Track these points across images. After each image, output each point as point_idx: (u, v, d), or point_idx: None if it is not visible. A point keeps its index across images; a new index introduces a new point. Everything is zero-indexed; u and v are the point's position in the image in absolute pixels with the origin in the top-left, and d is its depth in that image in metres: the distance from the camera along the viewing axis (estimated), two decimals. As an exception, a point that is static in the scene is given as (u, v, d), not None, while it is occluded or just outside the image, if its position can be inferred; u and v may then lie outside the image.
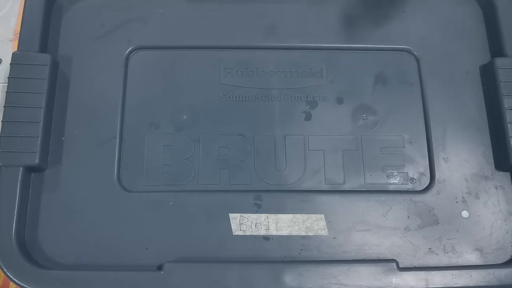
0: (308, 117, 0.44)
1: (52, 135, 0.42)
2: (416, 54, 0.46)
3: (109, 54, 0.45)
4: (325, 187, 0.42)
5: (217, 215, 0.41)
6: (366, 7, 0.47)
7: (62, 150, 0.42)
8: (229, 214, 0.41)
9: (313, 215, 0.41)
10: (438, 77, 0.45)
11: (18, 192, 0.39)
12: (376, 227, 0.41)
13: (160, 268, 0.39)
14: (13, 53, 0.42)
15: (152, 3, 0.46)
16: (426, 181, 0.43)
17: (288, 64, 0.45)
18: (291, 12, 0.47)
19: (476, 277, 0.39)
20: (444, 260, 0.40)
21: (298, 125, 0.44)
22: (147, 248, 0.40)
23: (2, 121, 0.41)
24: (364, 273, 0.39)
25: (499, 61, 0.44)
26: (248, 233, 0.41)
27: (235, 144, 0.43)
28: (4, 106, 0.41)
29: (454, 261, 0.40)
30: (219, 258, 0.40)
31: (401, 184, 0.43)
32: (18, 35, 0.44)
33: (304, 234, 0.41)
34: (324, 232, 0.41)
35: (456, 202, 0.42)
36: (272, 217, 0.41)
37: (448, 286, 0.38)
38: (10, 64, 0.42)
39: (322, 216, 0.41)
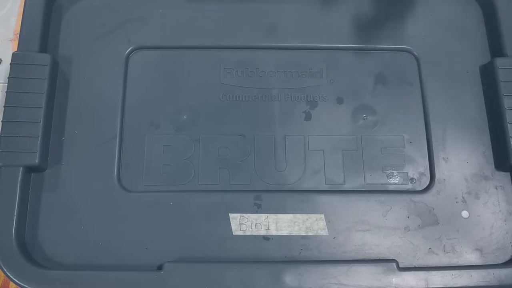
0: (308, 117, 0.44)
1: (52, 135, 0.42)
2: (416, 54, 0.46)
3: (109, 54, 0.45)
4: (325, 187, 0.42)
5: (217, 215, 0.41)
6: (366, 7, 0.47)
7: (62, 150, 0.42)
8: (229, 214, 0.41)
9: (313, 215, 0.41)
10: (438, 77, 0.45)
11: (18, 192, 0.39)
12: (376, 227, 0.41)
13: (160, 268, 0.39)
14: (13, 53, 0.42)
15: (152, 3, 0.46)
16: (426, 181, 0.43)
17: (288, 64, 0.45)
18: (291, 12, 0.47)
19: (476, 277, 0.39)
20: (444, 260, 0.40)
21: (298, 125, 0.44)
22: (147, 248, 0.40)
23: (2, 121, 0.41)
24: (364, 273, 0.39)
25: (499, 61, 0.44)
26: (248, 233, 0.41)
27: (235, 144, 0.43)
28: (4, 106, 0.41)
29: (454, 261, 0.40)
30: (219, 258, 0.40)
31: (401, 184, 0.43)
32: (18, 35, 0.44)
33: (304, 234, 0.41)
34: (324, 232, 0.41)
35: (456, 202, 0.42)
36: (272, 217, 0.41)
37: (448, 286, 0.38)
38: (10, 64, 0.42)
39: (322, 216, 0.41)
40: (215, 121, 0.43)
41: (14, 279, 0.37)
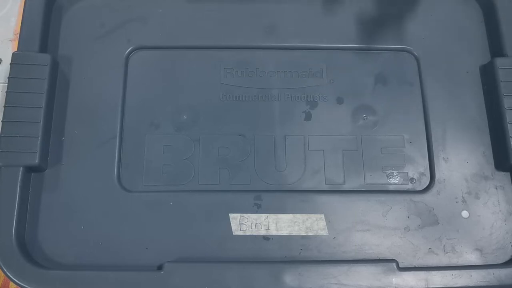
0: (308, 117, 0.44)
1: (52, 135, 0.42)
2: (416, 54, 0.46)
3: (109, 54, 0.45)
4: (325, 187, 0.42)
5: (217, 215, 0.41)
6: (366, 7, 0.47)
7: (62, 150, 0.42)
8: (229, 214, 0.41)
9: (313, 215, 0.41)
10: (438, 77, 0.45)
11: (18, 192, 0.39)
12: (376, 227, 0.41)
13: (160, 268, 0.39)
14: (13, 53, 0.42)
15: (152, 3, 0.46)
16: (426, 181, 0.43)
17: (288, 64, 0.45)
18: (291, 12, 0.47)
19: (476, 277, 0.39)
20: (444, 260, 0.40)
21: (298, 125, 0.44)
22: (147, 248, 0.40)
23: (2, 121, 0.41)
24: (364, 273, 0.39)
25: (499, 61, 0.44)
26: (248, 233, 0.41)
27: (235, 144, 0.43)
28: (4, 106, 0.41)
29: (454, 261, 0.40)
30: (219, 258, 0.40)
31: (401, 184, 0.43)
32: (18, 35, 0.44)
33: (304, 234, 0.41)
34: (324, 232, 0.41)
35: (456, 202, 0.42)
36: (272, 217, 0.41)
37: (448, 286, 0.38)
38: (10, 64, 0.42)
39: (322, 216, 0.41)
40: (215, 121, 0.43)
41: (14, 279, 0.37)
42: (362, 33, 0.46)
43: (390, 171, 0.43)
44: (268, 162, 0.43)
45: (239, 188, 0.42)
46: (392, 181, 0.43)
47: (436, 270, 0.39)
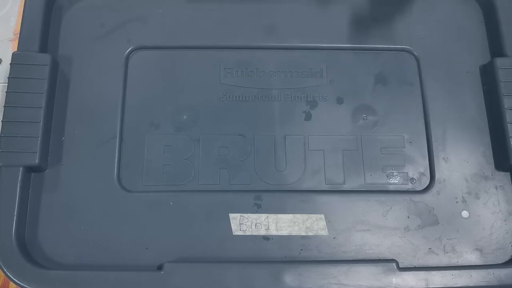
0: (308, 117, 0.44)
1: (52, 135, 0.42)
2: (416, 54, 0.46)
3: (109, 54, 0.45)
4: (325, 187, 0.42)
5: (217, 215, 0.41)
6: (366, 7, 0.47)
7: (62, 150, 0.42)
8: (229, 214, 0.41)
9: (313, 215, 0.41)
10: (438, 77, 0.45)
11: (18, 192, 0.39)
12: (376, 227, 0.41)
13: (160, 268, 0.39)
14: (13, 53, 0.42)
15: (152, 3, 0.46)
16: (426, 181, 0.43)
17: (288, 64, 0.45)
18: (291, 12, 0.47)
19: (476, 277, 0.39)
20: (444, 260, 0.40)
21: (298, 125, 0.44)
22: (147, 248, 0.40)
23: (2, 121, 0.41)
24: (364, 273, 0.39)
25: (499, 61, 0.44)
26: (248, 233, 0.41)
27: (235, 144, 0.43)
28: (4, 106, 0.41)
29: (454, 261, 0.40)
30: (219, 258, 0.40)
31: (401, 184, 0.43)
32: (18, 35, 0.44)
33: (304, 234, 0.41)
34: (324, 232, 0.41)
35: (456, 202, 0.42)
36: (272, 217, 0.41)
37: (448, 286, 0.38)
38: (10, 64, 0.42)
39: (322, 216, 0.41)
40: (215, 121, 0.43)
41: (14, 279, 0.37)
42: (362, 33, 0.46)
43: (390, 171, 0.43)
44: (268, 162, 0.43)
45: (239, 188, 0.42)
46: (392, 181, 0.43)
47: (436, 270, 0.39)
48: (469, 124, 0.44)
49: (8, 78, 0.42)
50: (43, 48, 0.44)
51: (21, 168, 0.40)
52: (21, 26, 0.43)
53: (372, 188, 0.42)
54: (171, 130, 0.43)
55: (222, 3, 0.47)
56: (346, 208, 0.41)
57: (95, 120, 0.43)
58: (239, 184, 0.42)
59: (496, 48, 0.45)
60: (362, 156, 0.43)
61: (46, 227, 0.40)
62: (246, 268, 0.39)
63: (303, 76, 0.45)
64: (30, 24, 0.43)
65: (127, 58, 0.45)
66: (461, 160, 0.43)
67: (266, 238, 0.41)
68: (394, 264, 0.39)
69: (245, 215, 0.41)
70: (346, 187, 0.42)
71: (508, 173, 0.43)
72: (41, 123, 0.41)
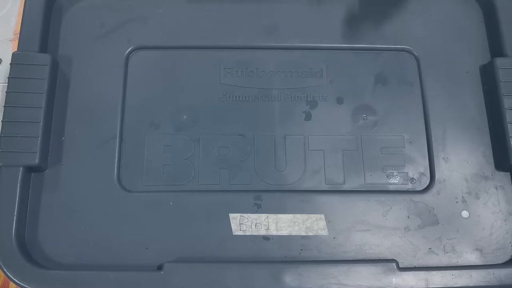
0: (308, 117, 0.44)
1: (52, 135, 0.42)
2: (416, 54, 0.46)
3: (109, 54, 0.45)
4: (325, 187, 0.42)
5: (217, 215, 0.41)
6: (366, 7, 0.47)
7: (62, 150, 0.42)
8: (229, 214, 0.41)
9: (313, 215, 0.41)
10: (438, 77, 0.45)
11: (18, 192, 0.39)
12: (376, 227, 0.41)
13: (160, 268, 0.39)
14: (13, 53, 0.42)
15: (152, 3, 0.46)
16: (426, 181, 0.43)
17: (288, 64, 0.45)
18: (291, 12, 0.47)
19: (476, 277, 0.39)
20: (444, 260, 0.40)
21: (298, 125, 0.44)
22: (147, 248, 0.40)
23: (2, 121, 0.41)
24: (364, 273, 0.39)
25: (499, 61, 0.44)
26: (248, 233, 0.41)
27: (235, 144, 0.43)
28: (4, 106, 0.41)
29: (454, 261, 0.40)
30: (219, 258, 0.40)
31: (401, 184, 0.43)
32: (18, 35, 0.44)
33: (304, 234, 0.41)
34: (324, 232, 0.41)
35: (456, 202, 0.42)
36: (272, 217, 0.41)
37: (448, 286, 0.38)
38: (10, 64, 0.42)
39: (322, 216, 0.41)
40: (215, 121, 0.43)
41: (14, 279, 0.38)
42: (363, 33, 0.46)
43: (390, 171, 0.43)
44: (268, 162, 0.43)
45: (239, 188, 0.42)
46: (392, 181, 0.43)
47: (436, 270, 0.39)
48: (469, 124, 0.44)
49: (8, 78, 0.42)
50: (43, 48, 0.44)
51: (21, 168, 0.40)
52: (21, 26, 0.43)
53: (372, 188, 0.42)
54: (171, 130, 0.43)
55: (222, 3, 0.47)
56: (346, 208, 0.41)
57: (95, 120, 0.43)
58: (239, 184, 0.42)
59: (496, 48, 0.45)
60: (362, 156, 0.43)
61: (46, 227, 0.40)
62: (246, 268, 0.39)
63: (303, 76, 0.45)
64: (30, 24, 0.43)
65: (127, 58, 0.45)
66: (461, 160, 0.43)
67: (266, 238, 0.41)
68: (394, 264, 0.39)
69: (245, 215, 0.41)
70: (346, 187, 0.42)
71: (508, 173, 0.43)
72: (41, 123, 0.41)
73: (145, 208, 0.41)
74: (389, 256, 0.40)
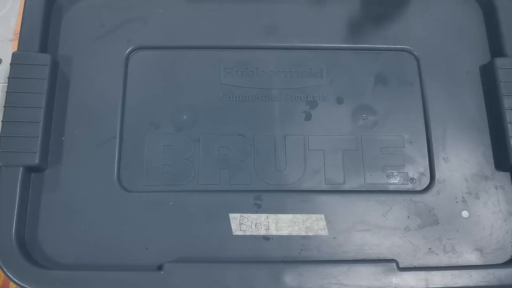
0: (308, 117, 0.44)
1: (52, 135, 0.42)
2: (416, 54, 0.46)
3: (109, 54, 0.45)
4: (325, 187, 0.42)
5: (217, 215, 0.41)
6: (366, 7, 0.47)
7: (62, 150, 0.42)
8: (229, 214, 0.41)
9: (313, 215, 0.41)
10: (438, 77, 0.45)
11: (18, 192, 0.39)
12: (376, 227, 0.41)
13: (160, 268, 0.39)
14: (13, 53, 0.42)
15: (152, 3, 0.46)
16: (426, 181, 0.43)
17: (288, 64, 0.45)
18: (291, 12, 0.47)
19: (476, 277, 0.39)
20: (444, 260, 0.40)
21: (298, 125, 0.44)
22: (147, 248, 0.40)
23: (2, 121, 0.41)
24: (364, 273, 0.39)
25: (499, 61, 0.44)
26: (248, 233, 0.41)
27: (235, 144, 0.43)
28: (4, 106, 0.41)
29: (454, 261, 0.40)
30: (219, 258, 0.40)
31: (401, 184, 0.43)
32: (18, 35, 0.44)
33: (304, 234, 0.41)
34: (324, 232, 0.41)
35: (456, 202, 0.42)
36: (272, 217, 0.41)
37: (448, 286, 0.38)
38: (10, 64, 0.42)
39: (322, 216, 0.41)
40: (215, 121, 0.43)
41: (14, 279, 0.38)
42: (362, 33, 0.46)
43: (390, 171, 0.43)
44: (268, 162, 0.43)
45: (239, 188, 0.42)
46: (392, 181, 0.43)
47: (436, 270, 0.39)
48: (469, 124, 0.44)
49: (8, 78, 0.42)
50: (43, 48, 0.44)
51: (21, 168, 0.40)
52: (21, 26, 0.43)
53: (372, 188, 0.42)
54: (171, 130, 0.43)
55: (222, 3, 0.47)
56: (346, 208, 0.41)
57: (95, 120, 0.43)
58: (239, 184, 0.42)
59: (496, 48, 0.45)
60: (362, 156, 0.43)
61: (46, 227, 0.40)
62: (246, 268, 0.39)
63: (303, 76, 0.45)
64: (30, 24, 0.43)
65: (127, 58, 0.45)
66: (461, 160, 0.43)
67: (266, 238, 0.41)
68: (394, 264, 0.39)
69: (245, 215, 0.41)
70: (346, 187, 0.42)
71: (508, 173, 0.43)
72: (41, 123, 0.41)
73: (145, 208, 0.41)
74: (389, 256, 0.40)
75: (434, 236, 0.41)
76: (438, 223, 0.41)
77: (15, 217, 0.39)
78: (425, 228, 0.41)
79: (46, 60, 0.42)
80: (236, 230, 0.41)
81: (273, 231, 0.41)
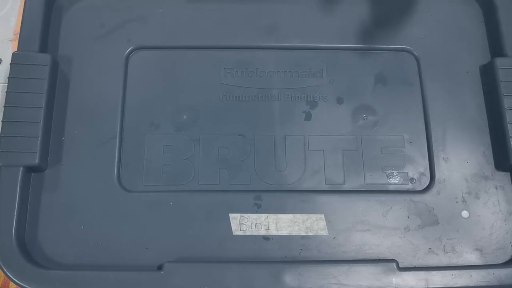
0: (308, 117, 0.44)
1: (52, 135, 0.42)
2: (416, 54, 0.46)
3: (109, 54, 0.45)
4: (325, 187, 0.42)
5: (217, 215, 0.41)
6: (366, 7, 0.47)
7: (62, 150, 0.42)
8: (229, 214, 0.41)
9: (313, 215, 0.41)
10: (438, 77, 0.45)
11: (18, 192, 0.39)
12: (376, 227, 0.41)
13: (160, 268, 0.39)
14: (13, 53, 0.42)
15: (152, 3, 0.46)
16: (426, 181, 0.43)
17: (288, 64, 0.45)
18: (291, 12, 0.47)
19: (476, 277, 0.39)
20: (444, 260, 0.40)
21: (298, 125, 0.44)
22: (147, 248, 0.40)
23: (2, 121, 0.41)
24: (364, 273, 0.39)
25: (499, 61, 0.44)
26: (248, 233, 0.41)
27: (235, 144, 0.43)
28: (4, 106, 0.41)
29: (454, 261, 0.40)
30: (219, 258, 0.40)
31: (401, 184, 0.43)
32: (18, 35, 0.44)
33: (304, 234, 0.41)
34: (324, 232, 0.41)
35: (456, 202, 0.42)
36: (272, 217, 0.41)
37: (448, 286, 0.38)
38: (10, 64, 0.42)
39: (322, 216, 0.41)
40: (215, 121, 0.43)
41: (14, 279, 0.37)
42: (362, 33, 0.46)
43: (390, 171, 0.43)
44: (268, 162, 0.43)
45: (239, 188, 0.42)
46: (392, 181, 0.43)
47: (436, 270, 0.39)
48: (469, 124, 0.44)
49: (8, 78, 0.42)
50: (43, 48, 0.44)
51: (21, 168, 0.40)
52: (21, 26, 0.43)
53: (372, 188, 0.42)
54: (171, 130, 0.43)
55: (222, 3, 0.47)
56: (346, 208, 0.41)
57: (95, 120, 0.43)
58: (239, 184, 0.42)
59: (496, 48, 0.45)
60: (362, 156, 0.43)
61: (46, 227, 0.40)
62: (246, 268, 0.39)
63: (303, 76, 0.45)
64: (30, 24, 0.43)
65: (127, 58, 0.45)
66: (461, 160, 0.43)
67: (266, 238, 0.41)
68: (394, 264, 0.39)
69: (245, 215, 0.41)
70: (346, 187, 0.42)
71: (508, 173, 0.43)
72: (41, 123, 0.41)
73: (145, 208, 0.41)
74: (389, 256, 0.40)
75: (434, 236, 0.41)
76: (438, 223, 0.41)
77: (15, 217, 0.39)
78: (425, 228, 0.41)
79: (46, 60, 0.42)
80: (236, 230, 0.41)
81: (273, 231, 0.41)
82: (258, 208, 0.41)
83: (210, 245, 0.40)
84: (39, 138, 0.40)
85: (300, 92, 0.45)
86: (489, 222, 0.41)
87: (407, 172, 0.43)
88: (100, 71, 0.44)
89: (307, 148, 0.43)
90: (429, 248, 0.41)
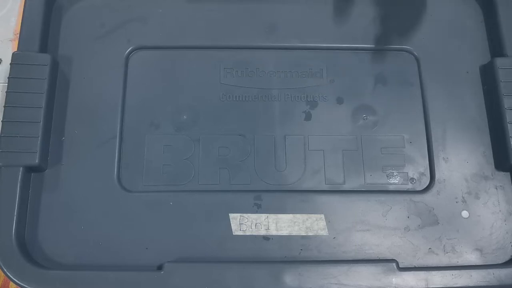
0: (308, 117, 0.44)
1: (52, 135, 0.42)
2: (416, 54, 0.46)
3: (109, 54, 0.45)
4: (325, 187, 0.42)
5: (217, 215, 0.41)
6: (366, 7, 0.47)
7: (62, 150, 0.42)
8: (229, 214, 0.41)
9: (313, 215, 0.41)
10: (438, 77, 0.45)
11: (18, 192, 0.39)
12: (376, 227, 0.41)
13: (160, 268, 0.39)
14: (13, 53, 0.42)
15: (152, 3, 0.46)
16: (426, 181, 0.43)
17: (288, 64, 0.45)
18: (291, 12, 0.47)
19: (476, 277, 0.39)
20: (444, 260, 0.40)
21: (298, 125, 0.44)
22: (147, 248, 0.40)
23: (2, 121, 0.41)
24: (364, 273, 0.39)
25: (499, 61, 0.44)
26: (248, 233, 0.41)
27: (235, 144, 0.43)
28: (4, 106, 0.41)
29: (454, 261, 0.40)
30: (219, 258, 0.40)
31: (401, 184, 0.43)
32: (18, 35, 0.44)
33: (304, 234, 0.41)
34: (324, 232, 0.41)
35: (456, 202, 0.42)
36: (272, 217, 0.41)
37: (448, 286, 0.38)
38: (10, 64, 0.42)
39: (322, 216, 0.41)
40: (215, 121, 0.43)
41: (14, 279, 0.37)
42: (362, 33, 0.46)
43: (390, 171, 0.43)
44: (268, 162, 0.43)
45: (239, 188, 0.42)
46: (392, 181, 0.43)
47: (436, 270, 0.39)
48: (469, 124, 0.44)
49: (8, 78, 0.42)
50: (43, 48, 0.44)
51: (21, 168, 0.40)
52: (21, 26, 0.43)
53: (372, 188, 0.42)
54: (171, 130, 0.43)
55: (222, 3, 0.47)
56: (346, 208, 0.41)
57: (95, 120, 0.43)
58: (239, 184, 0.42)
59: (496, 48, 0.45)
60: (362, 156, 0.43)
61: (46, 227, 0.40)
62: (246, 268, 0.39)
63: (303, 76, 0.45)
64: (30, 24, 0.43)
65: (127, 58, 0.45)
66: (461, 160, 0.43)
67: (266, 238, 0.41)
68: (394, 264, 0.39)
69: (245, 215, 0.41)
70: (346, 187, 0.42)
71: (508, 173, 0.43)
72: (41, 123, 0.41)
73: (145, 208, 0.41)
74: (389, 256, 0.40)
75: (434, 236, 0.41)
76: (438, 223, 0.41)
77: (15, 217, 0.39)
78: (425, 228, 0.41)
79: (46, 60, 0.42)
80: (236, 230, 0.41)
81: (273, 231, 0.41)
82: (258, 208, 0.41)
83: (210, 245, 0.40)
84: (39, 138, 0.40)
85: (300, 92, 0.45)
86: (489, 222, 0.41)
87: (407, 172, 0.43)
88: (100, 71, 0.44)
89: (307, 148, 0.43)
90: (429, 248, 0.41)
